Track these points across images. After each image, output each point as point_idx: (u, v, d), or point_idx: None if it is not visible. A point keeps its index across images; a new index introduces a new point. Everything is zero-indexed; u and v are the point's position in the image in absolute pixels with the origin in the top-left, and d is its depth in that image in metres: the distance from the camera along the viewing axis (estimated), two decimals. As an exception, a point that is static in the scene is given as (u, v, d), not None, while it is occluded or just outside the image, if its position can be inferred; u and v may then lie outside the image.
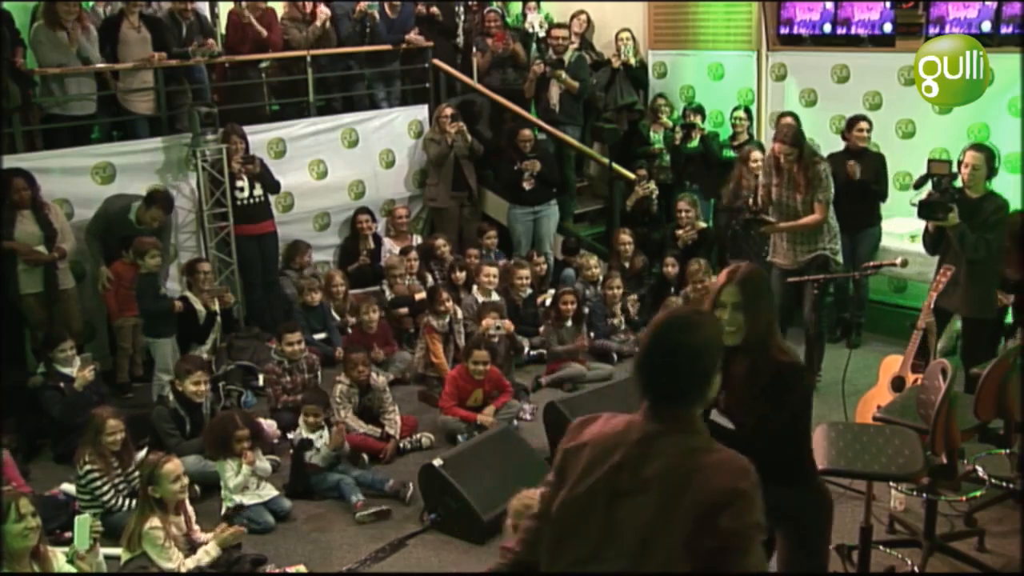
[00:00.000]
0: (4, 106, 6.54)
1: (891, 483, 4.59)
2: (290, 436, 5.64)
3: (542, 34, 9.46)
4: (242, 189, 7.48)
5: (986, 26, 7.29)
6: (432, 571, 4.65)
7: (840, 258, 6.28)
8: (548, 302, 7.62)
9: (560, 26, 9.22)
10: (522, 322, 7.39)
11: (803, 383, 3.22)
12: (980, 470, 4.96)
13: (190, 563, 4.33)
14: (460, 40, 9.30)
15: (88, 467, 4.87)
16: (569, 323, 7.06)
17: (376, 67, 8.82)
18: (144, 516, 4.32)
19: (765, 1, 8.57)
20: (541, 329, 7.33)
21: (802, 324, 6.14)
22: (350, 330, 7.38)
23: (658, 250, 8.26)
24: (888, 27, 7.88)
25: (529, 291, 7.67)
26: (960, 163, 5.59)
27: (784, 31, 8.58)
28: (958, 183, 5.53)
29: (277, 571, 4.61)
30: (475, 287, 7.53)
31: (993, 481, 4.90)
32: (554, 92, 8.82)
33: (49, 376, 5.88)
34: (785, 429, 3.11)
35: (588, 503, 2.17)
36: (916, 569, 4.31)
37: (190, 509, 4.64)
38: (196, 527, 4.60)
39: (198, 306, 6.69)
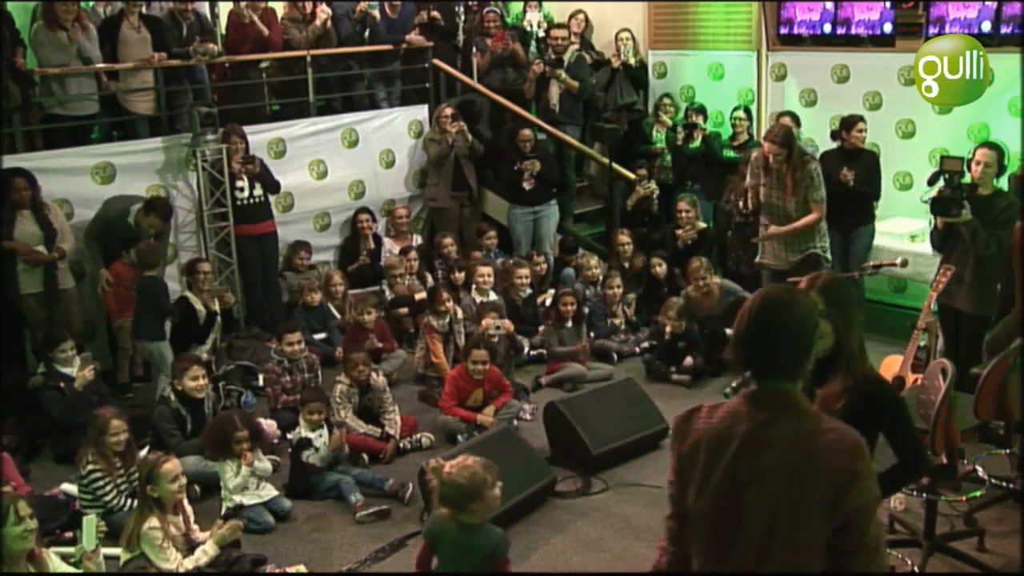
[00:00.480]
0: (4, 106, 6.54)
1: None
2: (289, 436, 5.64)
3: (541, 33, 9.47)
4: (242, 189, 7.49)
5: (986, 26, 7.30)
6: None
7: (829, 255, 6.29)
8: (548, 302, 7.63)
9: (560, 26, 9.23)
10: (522, 322, 7.40)
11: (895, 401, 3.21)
12: (980, 470, 4.95)
13: (188, 563, 4.33)
14: (460, 40, 9.30)
15: (91, 467, 4.87)
16: (569, 323, 7.06)
17: (376, 67, 8.83)
18: (143, 516, 4.32)
19: (765, 1, 8.57)
20: (541, 329, 7.33)
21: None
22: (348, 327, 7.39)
23: (658, 250, 8.26)
24: (888, 27, 7.88)
25: (529, 291, 7.67)
26: (971, 160, 5.61)
27: (784, 31, 8.59)
28: (966, 179, 5.55)
29: (277, 571, 4.61)
30: (473, 287, 7.54)
31: (993, 481, 4.89)
32: (554, 92, 8.82)
33: (49, 376, 5.88)
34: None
35: (716, 500, 2.27)
36: (916, 569, 4.31)
37: (188, 509, 4.64)
38: (195, 527, 4.60)
39: (198, 306, 6.69)
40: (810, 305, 2.37)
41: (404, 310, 7.70)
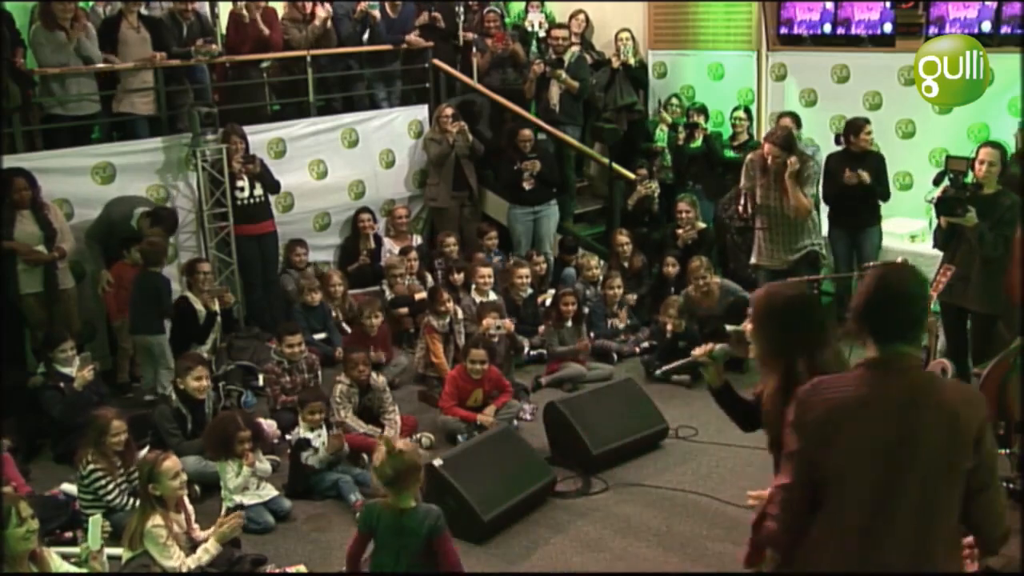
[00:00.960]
0: (4, 106, 6.54)
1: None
2: (289, 436, 5.64)
3: (542, 34, 9.47)
4: (242, 189, 7.49)
5: (986, 26, 7.30)
6: (432, 571, 4.65)
7: (825, 251, 6.29)
8: (548, 302, 7.63)
9: (560, 26, 9.24)
10: (522, 322, 7.40)
11: None
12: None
13: (191, 562, 4.33)
14: (460, 40, 9.31)
15: (92, 467, 4.88)
16: (569, 323, 7.06)
17: (376, 67, 8.83)
18: (146, 515, 4.32)
19: (765, 1, 8.58)
20: (541, 329, 7.33)
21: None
22: (349, 330, 7.38)
23: (658, 250, 8.26)
24: (888, 27, 7.89)
25: (529, 291, 7.67)
26: (975, 160, 5.62)
27: (784, 31, 8.60)
28: (969, 179, 5.56)
29: (277, 571, 4.61)
30: (473, 287, 7.54)
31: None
32: (554, 92, 8.82)
33: (49, 376, 5.88)
34: None
35: (871, 459, 2.45)
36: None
37: (189, 507, 4.64)
38: (196, 525, 4.59)
39: (198, 306, 6.69)
40: (922, 277, 2.64)
41: (404, 310, 7.70)
